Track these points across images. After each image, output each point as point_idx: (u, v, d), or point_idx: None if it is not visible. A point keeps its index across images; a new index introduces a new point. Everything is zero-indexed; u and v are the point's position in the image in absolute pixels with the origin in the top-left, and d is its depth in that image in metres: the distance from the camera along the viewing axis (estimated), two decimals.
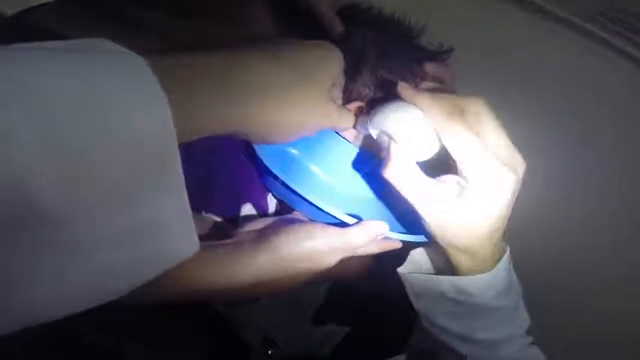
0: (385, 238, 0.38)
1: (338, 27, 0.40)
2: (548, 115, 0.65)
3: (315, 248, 0.36)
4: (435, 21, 0.44)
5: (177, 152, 0.22)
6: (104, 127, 0.19)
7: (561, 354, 0.45)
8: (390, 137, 0.35)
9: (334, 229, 0.36)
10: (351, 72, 0.39)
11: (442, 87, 0.39)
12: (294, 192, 0.37)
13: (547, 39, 0.66)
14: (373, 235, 0.37)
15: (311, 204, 0.36)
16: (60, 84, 0.19)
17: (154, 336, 0.42)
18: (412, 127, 0.34)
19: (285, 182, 0.37)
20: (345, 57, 0.35)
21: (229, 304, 0.48)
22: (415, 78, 0.40)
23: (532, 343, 0.43)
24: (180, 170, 0.22)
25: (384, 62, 0.39)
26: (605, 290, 0.64)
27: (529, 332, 0.43)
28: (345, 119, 0.36)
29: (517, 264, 0.43)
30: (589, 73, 0.64)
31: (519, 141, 0.36)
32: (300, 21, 0.42)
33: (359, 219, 0.38)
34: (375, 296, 0.61)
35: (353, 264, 0.57)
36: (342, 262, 0.48)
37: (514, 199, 0.35)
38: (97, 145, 0.19)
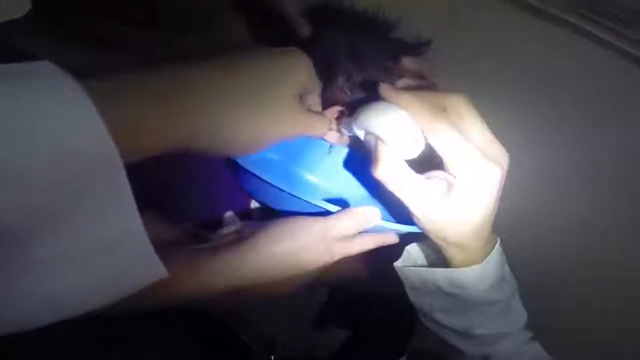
0: (381, 231, 0.38)
1: (304, 29, 0.39)
2: (540, 111, 0.65)
3: (298, 243, 0.35)
4: (427, 20, 0.43)
5: (121, 170, 0.22)
6: (40, 148, 0.20)
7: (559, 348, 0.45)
8: (377, 138, 0.35)
9: (315, 218, 0.35)
10: (325, 77, 0.38)
11: (422, 83, 0.38)
12: (277, 189, 0.36)
13: (534, 35, 0.66)
14: (360, 220, 0.36)
15: (297, 200, 0.36)
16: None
17: (149, 341, 0.42)
18: (397, 127, 0.34)
19: (268, 180, 0.36)
20: (316, 62, 0.35)
21: (226, 308, 0.47)
22: (392, 76, 0.38)
23: (532, 338, 0.44)
24: (128, 187, 0.23)
25: (357, 63, 0.38)
26: (599, 287, 0.64)
27: (527, 327, 0.44)
28: (316, 126, 0.35)
29: (512, 259, 0.43)
30: (579, 68, 0.64)
31: (511, 137, 0.37)
32: (273, 26, 0.41)
33: None
34: (376, 297, 0.60)
35: (352, 265, 0.56)
36: (341, 263, 0.47)
37: (500, 192, 0.35)
38: (36, 164, 0.20)
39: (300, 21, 0.39)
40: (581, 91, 0.65)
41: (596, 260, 0.64)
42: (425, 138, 0.34)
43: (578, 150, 0.64)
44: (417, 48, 0.41)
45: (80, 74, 0.22)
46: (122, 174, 0.22)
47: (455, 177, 0.34)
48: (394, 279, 0.44)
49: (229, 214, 0.42)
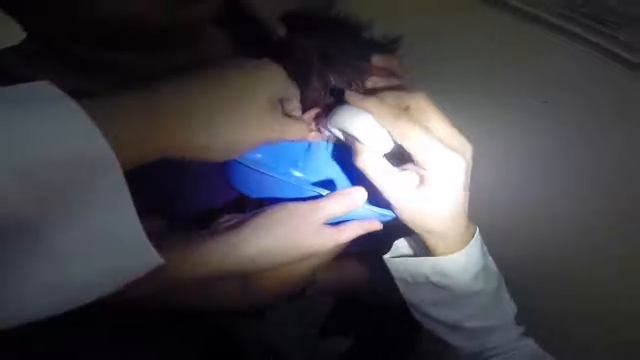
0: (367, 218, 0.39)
1: (280, 31, 0.41)
2: (532, 113, 0.66)
3: (290, 226, 0.36)
4: (408, 23, 0.44)
5: (117, 169, 0.26)
6: (47, 154, 0.24)
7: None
8: (353, 136, 0.38)
9: (304, 202, 0.37)
10: (301, 82, 0.41)
11: (391, 81, 0.39)
12: (264, 176, 0.37)
13: (524, 38, 0.66)
14: (348, 200, 0.37)
15: (285, 187, 0.37)
16: (15, 125, 0.23)
17: (148, 345, 0.44)
18: (365, 127, 0.37)
19: (255, 168, 0.37)
20: (292, 67, 0.38)
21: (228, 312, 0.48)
22: (362, 75, 0.41)
23: (524, 334, 0.45)
24: (124, 183, 0.26)
25: (329, 65, 0.41)
26: (597, 286, 0.64)
27: (519, 322, 0.45)
28: (293, 131, 0.38)
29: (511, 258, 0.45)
30: (571, 70, 0.65)
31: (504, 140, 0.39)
32: (250, 35, 0.43)
33: None
34: (378, 307, 0.60)
35: (350, 270, 0.57)
36: (339, 266, 0.47)
37: (467, 181, 0.37)
38: (47, 169, 0.24)
39: (276, 23, 0.41)
40: (573, 93, 0.66)
41: (596, 260, 0.64)
42: (392, 137, 0.37)
43: (570, 151, 0.65)
44: (386, 47, 0.42)
45: (71, 94, 0.26)
46: (119, 173, 0.26)
47: (425, 169, 0.36)
48: (393, 284, 0.45)
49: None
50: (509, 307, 0.45)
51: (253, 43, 0.43)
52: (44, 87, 0.26)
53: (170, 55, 0.43)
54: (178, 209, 0.43)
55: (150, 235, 0.28)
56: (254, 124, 0.35)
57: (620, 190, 0.63)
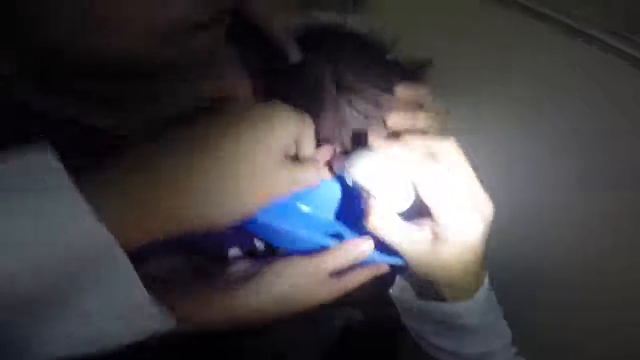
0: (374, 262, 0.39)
1: (295, 54, 0.36)
2: (548, 118, 0.66)
3: (294, 283, 0.36)
4: (424, 28, 0.41)
5: (120, 254, 0.25)
6: (53, 247, 0.24)
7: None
8: (368, 193, 0.36)
9: (309, 257, 0.37)
10: (312, 110, 0.36)
11: (415, 119, 0.35)
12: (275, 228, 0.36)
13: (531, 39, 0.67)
14: (353, 253, 0.37)
15: (296, 236, 0.37)
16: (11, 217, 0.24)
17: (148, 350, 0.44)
18: (386, 183, 0.35)
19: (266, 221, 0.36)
20: (301, 95, 0.35)
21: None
22: (381, 110, 0.37)
23: (517, 354, 0.46)
24: (129, 267, 0.26)
25: (344, 95, 0.35)
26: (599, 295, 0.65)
27: (512, 343, 0.46)
28: (306, 180, 0.34)
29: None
30: (564, 68, 0.65)
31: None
32: (259, 56, 0.38)
33: None
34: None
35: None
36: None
37: (484, 240, 0.37)
38: (46, 256, 0.24)
39: (289, 44, 0.37)
40: (593, 101, 0.64)
41: (598, 267, 0.65)
42: (414, 187, 0.35)
43: (585, 157, 0.64)
44: (414, 74, 0.37)
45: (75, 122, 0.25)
46: (123, 257, 0.25)
47: (441, 226, 0.35)
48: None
49: (233, 251, 0.43)
50: (506, 332, 0.45)
51: (262, 64, 0.39)
52: (43, 165, 0.25)
53: (174, 85, 0.40)
54: (186, 247, 0.42)
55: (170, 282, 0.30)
56: (267, 182, 0.32)
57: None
